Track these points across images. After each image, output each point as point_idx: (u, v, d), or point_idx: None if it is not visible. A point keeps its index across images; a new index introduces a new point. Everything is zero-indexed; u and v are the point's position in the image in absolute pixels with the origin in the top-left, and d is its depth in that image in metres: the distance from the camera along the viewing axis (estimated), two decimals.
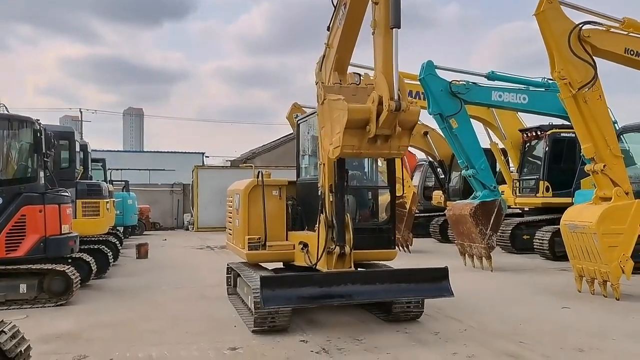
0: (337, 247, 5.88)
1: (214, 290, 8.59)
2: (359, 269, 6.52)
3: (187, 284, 9.49)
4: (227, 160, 36.50)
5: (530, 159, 14.59)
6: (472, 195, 11.36)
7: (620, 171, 8.08)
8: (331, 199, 5.94)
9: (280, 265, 7.49)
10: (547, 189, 13.44)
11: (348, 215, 6.00)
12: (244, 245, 6.90)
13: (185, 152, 42.44)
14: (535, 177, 13.93)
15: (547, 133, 13.69)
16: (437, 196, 17.98)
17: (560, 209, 11.41)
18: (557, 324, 6.39)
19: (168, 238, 20.42)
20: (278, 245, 6.86)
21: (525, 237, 13.41)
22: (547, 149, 13.64)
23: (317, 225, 6.08)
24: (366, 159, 7.04)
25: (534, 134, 14.14)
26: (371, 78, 5.68)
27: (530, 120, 14.78)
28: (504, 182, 14.76)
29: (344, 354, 5.23)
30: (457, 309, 6.88)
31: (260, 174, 6.99)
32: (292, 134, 21.50)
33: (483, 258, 10.65)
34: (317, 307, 6.35)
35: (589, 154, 8.08)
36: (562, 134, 13.69)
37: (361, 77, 6.11)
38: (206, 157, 41.49)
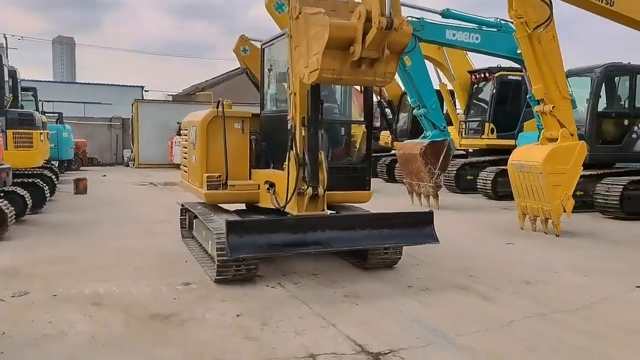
0: (309, 187, 5.28)
1: (160, 227, 8.33)
2: (335, 213, 5.95)
3: (131, 220, 9.15)
4: (168, 95, 35.10)
5: (477, 101, 14.76)
6: (422, 135, 11.41)
7: (568, 113, 8.27)
8: (303, 134, 5.27)
9: (242, 206, 6.89)
10: (492, 131, 13.75)
11: (322, 152, 5.36)
12: (202, 184, 6.22)
13: (122, 85, 40.41)
14: (480, 118, 14.17)
15: (495, 75, 13.84)
16: (385, 136, 18.05)
17: (504, 150, 11.71)
18: (503, 258, 6.62)
19: (107, 174, 19.61)
20: (241, 184, 6.22)
21: (469, 177, 13.75)
22: (494, 91, 13.83)
23: (285, 163, 5.42)
24: (339, 89, 6.42)
25: (482, 76, 14.25)
26: None
27: (480, 63, 14.88)
28: (450, 124, 14.93)
29: (300, 288, 5.19)
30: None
31: (220, 103, 6.23)
32: (238, 68, 20.72)
33: (430, 197, 10.85)
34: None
35: (539, 94, 8.18)
36: (509, 77, 13.91)
37: None
38: (145, 91, 39.69)
